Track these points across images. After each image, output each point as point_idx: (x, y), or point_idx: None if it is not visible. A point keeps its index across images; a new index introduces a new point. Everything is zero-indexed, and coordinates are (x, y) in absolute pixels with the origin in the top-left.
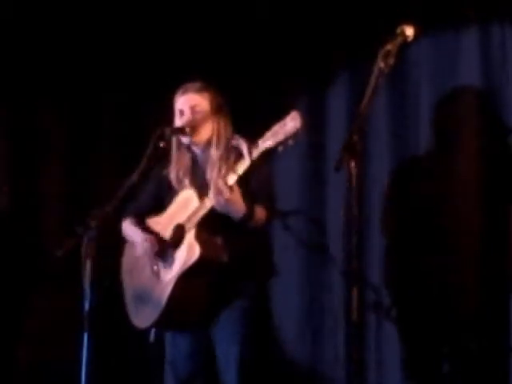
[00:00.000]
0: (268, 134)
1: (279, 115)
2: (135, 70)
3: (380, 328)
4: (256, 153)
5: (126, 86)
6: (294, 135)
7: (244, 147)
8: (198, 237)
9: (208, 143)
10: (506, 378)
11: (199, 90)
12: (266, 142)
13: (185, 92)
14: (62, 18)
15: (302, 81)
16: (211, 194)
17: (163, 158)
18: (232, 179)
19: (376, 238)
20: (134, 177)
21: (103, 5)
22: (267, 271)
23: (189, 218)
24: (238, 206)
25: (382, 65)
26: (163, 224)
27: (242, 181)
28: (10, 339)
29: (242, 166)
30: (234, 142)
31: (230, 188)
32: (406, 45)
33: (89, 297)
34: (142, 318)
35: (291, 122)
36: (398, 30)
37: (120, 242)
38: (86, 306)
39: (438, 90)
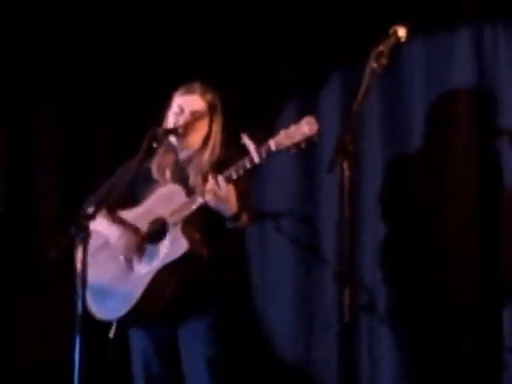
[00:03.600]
0: (281, 135)
1: (273, 115)
2: (133, 71)
3: (373, 328)
4: (266, 153)
5: (123, 86)
6: (310, 139)
7: (251, 147)
8: (185, 231)
9: (195, 147)
10: (498, 378)
11: (204, 94)
12: (280, 143)
13: (190, 92)
14: (61, 17)
15: (295, 80)
16: (207, 188)
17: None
18: (232, 177)
19: (369, 239)
20: (128, 177)
21: (102, 5)
22: (241, 272)
23: (173, 213)
24: (231, 203)
25: (374, 65)
26: (139, 216)
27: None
28: (3, 341)
29: (246, 165)
30: (241, 141)
31: (228, 185)
32: (399, 45)
33: (81, 298)
34: (108, 310)
35: (308, 126)
36: (391, 31)
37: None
38: (79, 307)
39: (431, 90)
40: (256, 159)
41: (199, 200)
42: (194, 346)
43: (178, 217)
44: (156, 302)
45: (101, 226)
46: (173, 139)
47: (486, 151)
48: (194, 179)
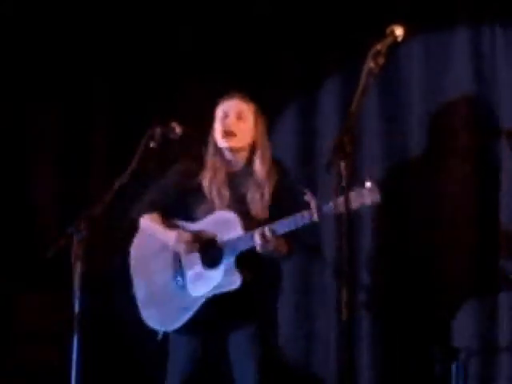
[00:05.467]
0: (341, 199)
1: (273, 115)
2: (133, 71)
3: (372, 329)
4: (320, 214)
5: (119, 85)
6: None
7: (313, 205)
8: (239, 266)
9: (245, 157)
10: (494, 378)
11: (246, 100)
12: (338, 207)
13: (231, 97)
14: (57, 16)
15: (294, 80)
16: (255, 242)
17: (153, 158)
18: (281, 232)
19: (368, 238)
20: (125, 177)
21: (100, 4)
22: (278, 291)
23: (229, 243)
24: (282, 252)
25: (371, 65)
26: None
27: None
28: (2, 341)
29: (305, 221)
30: (305, 198)
31: (277, 238)
32: (396, 45)
33: (79, 298)
34: (155, 320)
35: (371, 195)
36: (388, 30)
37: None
38: (76, 307)
39: (428, 90)
40: (315, 218)
41: (255, 239)
42: (244, 348)
43: (234, 249)
44: (203, 319)
45: (158, 231)
46: (222, 144)
47: (484, 151)
48: (251, 197)
